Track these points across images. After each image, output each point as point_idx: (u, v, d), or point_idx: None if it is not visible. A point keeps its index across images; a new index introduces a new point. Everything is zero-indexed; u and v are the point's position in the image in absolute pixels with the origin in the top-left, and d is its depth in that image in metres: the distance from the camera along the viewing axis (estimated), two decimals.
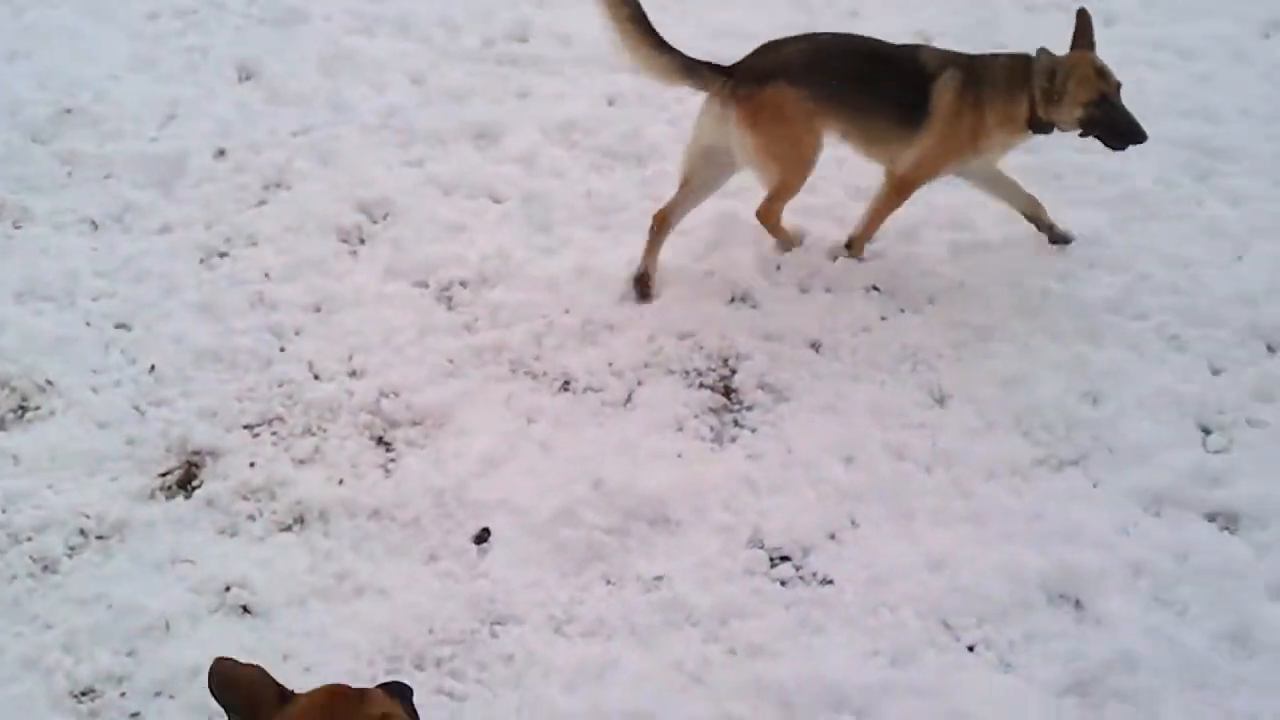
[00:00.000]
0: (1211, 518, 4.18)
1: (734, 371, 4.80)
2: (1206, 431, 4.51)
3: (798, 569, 4.01)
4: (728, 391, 4.74)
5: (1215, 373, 4.74)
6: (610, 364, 4.80)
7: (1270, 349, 4.85)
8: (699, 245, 5.36)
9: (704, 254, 5.34)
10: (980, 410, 4.59)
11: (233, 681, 2.36)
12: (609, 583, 3.96)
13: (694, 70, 4.98)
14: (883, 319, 5.04)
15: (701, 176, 5.17)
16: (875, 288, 5.17)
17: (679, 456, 4.40)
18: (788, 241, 5.36)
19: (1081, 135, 5.01)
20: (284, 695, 2.40)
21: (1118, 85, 4.89)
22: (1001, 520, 4.15)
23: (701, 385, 4.75)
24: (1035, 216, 5.35)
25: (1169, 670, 3.63)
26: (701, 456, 4.42)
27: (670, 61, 4.93)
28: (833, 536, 4.12)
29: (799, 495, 4.24)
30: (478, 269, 5.27)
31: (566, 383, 4.74)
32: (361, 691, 2.46)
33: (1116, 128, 4.88)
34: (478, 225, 5.56)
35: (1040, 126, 4.96)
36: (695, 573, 3.95)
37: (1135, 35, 7.03)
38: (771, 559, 4.04)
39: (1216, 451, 4.42)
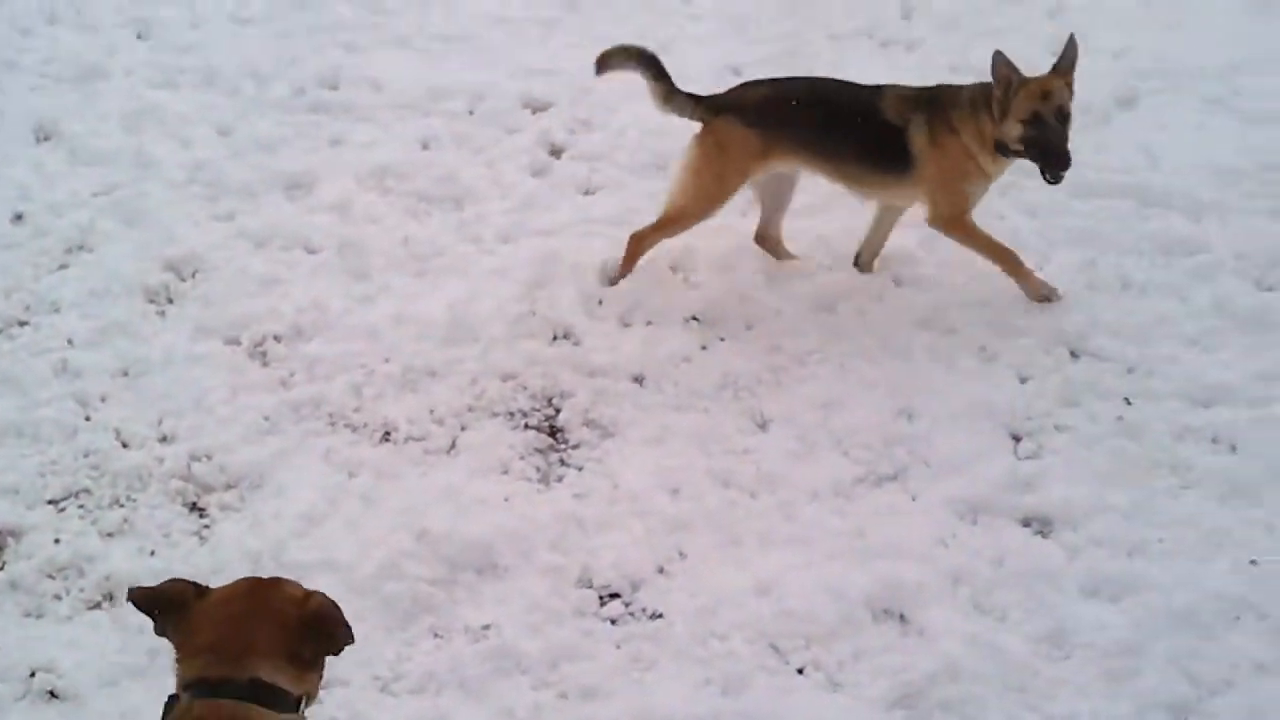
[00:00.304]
0: (1025, 522, 4.30)
1: (558, 410, 4.79)
2: (1017, 439, 4.65)
3: (627, 605, 4.00)
4: (553, 431, 4.73)
5: (1023, 381, 4.90)
6: (432, 411, 4.74)
7: (1074, 355, 5.03)
8: (518, 286, 5.34)
9: (524, 294, 5.32)
10: (801, 433, 4.66)
11: (151, 592, 2.53)
12: (436, 635, 3.89)
13: (671, 97, 5.31)
14: (703, 348, 5.09)
15: (767, 193, 5.50)
16: (695, 318, 5.23)
17: (505, 500, 4.37)
18: (623, 274, 5.42)
19: (1029, 158, 5.04)
20: (201, 590, 2.54)
21: (1058, 109, 4.93)
22: (826, 540, 4.21)
23: (527, 426, 4.73)
24: (873, 250, 5.50)
25: (990, 676, 3.71)
26: (528, 498, 4.39)
27: (660, 88, 5.30)
28: (661, 569, 4.13)
29: (627, 530, 4.24)
30: (293, 322, 5.15)
31: (388, 433, 4.66)
32: (279, 578, 2.65)
33: (1046, 149, 4.93)
34: (292, 277, 5.45)
35: (1000, 148, 5.03)
36: (524, 618, 3.91)
37: (935, 59, 7.26)
38: (601, 597, 4.02)
39: (1027, 458, 4.56)
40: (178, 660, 2.48)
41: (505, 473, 4.49)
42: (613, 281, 5.40)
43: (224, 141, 6.44)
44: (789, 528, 4.25)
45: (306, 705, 2.53)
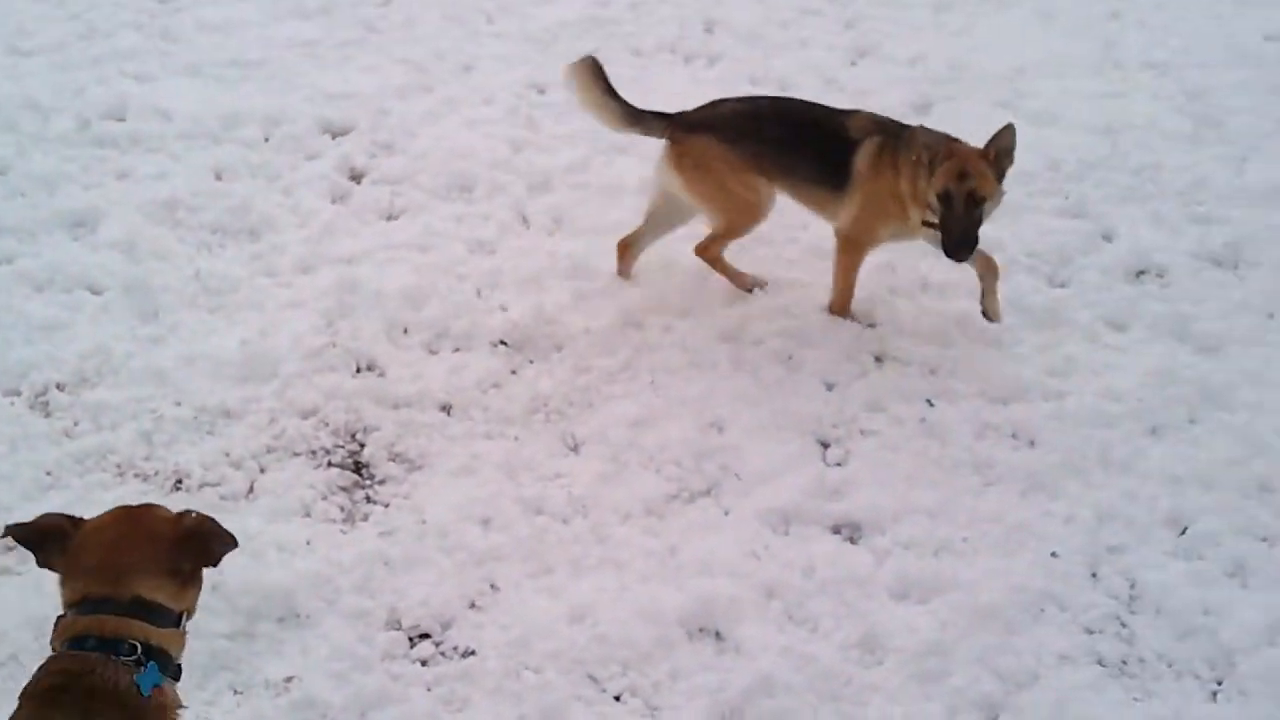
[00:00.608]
0: (836, 529, 4.33)
1: (363, 445, 4.64)
2: (825, 446, 4.69)
3: (438, 645, 3.88)
4: (358, 467, 4.57)
5: (829, 388, 4.94)
6: (228, 454, 4.53)
7: (878, 359, 5.10)
8: (317, 317, 5.17)
9: (324, 326, 5.14)
10: (613, 453, 4.61)
11: (28, 527, 2.72)
12: (236, 692, 3.70)
13: (639, 118, 5.34)
14: (512, 373, 5.00)
15: (661, 212, 5.44)
16: (503, 342, 5.13)
17: (307, 544, 4.19)
18: (740, 282, 5.44)
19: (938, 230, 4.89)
20: (76, 521, 2.73)
21: (969, 194, 4.75)
22: (639, 561, 4.15)
23: (329, 464, 4.56)
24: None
25: (805, 688, 3.70)
26: (331, 540, 4.22)
27: (619, 109, 5.31)
28: (473, 604, 4.01)
29: (435, 566, 4.11)
30: (76, 369, 4.87)
31: (180, 480, 4.44)
32: (150, 504, 2.86)
33: (946, 229, 4.81)
34: (75, 321, 5.15)
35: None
36: (329, 666, 3.74)
37: (737, 71, 7.34)
38: (410, 639, 3.89)
39: (835, 464, 4.60)
40: (62, 586, 2.66)
41: (307, 515, 4.31)
42: (746, 288, 5.45)
43: (0, 180, 6.09)
44: (601, 551, 4.19)
45: (187, 620, 2.77)
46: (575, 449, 4.65)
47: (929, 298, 5.45)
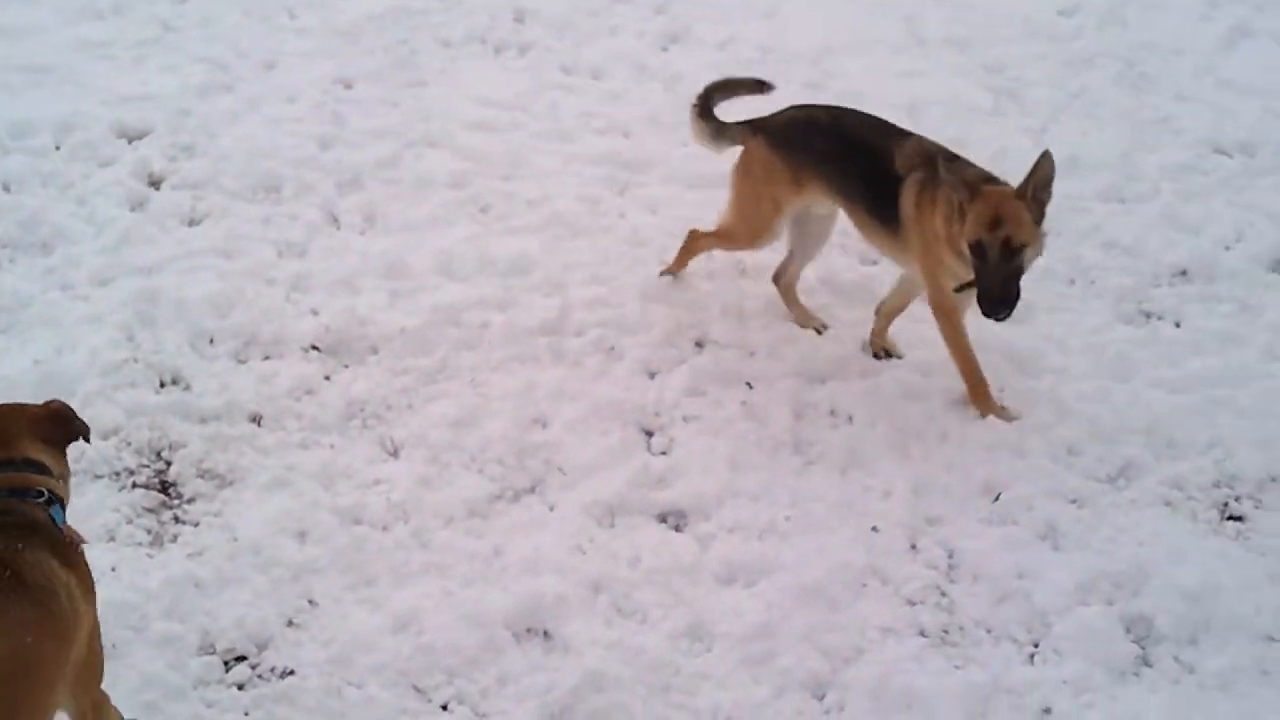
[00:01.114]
0: (661, 518, 4.32)
1: (169, 464, 4.44)
2: (649, 434, 4.68)
3: (254, 667, 3.73)
4: (164, 487, 4.37)
5: (651, 376, 4.93)
6: None
7: (699, 345, 5.11)
8: (116, 331, 4.92)
9: (123, 340, 4.89)
10: (434, 455, 4.51)
11: None
12: None
13: (722, 132, 5.19)
14: (326, 378, 4.85)
15: (793, 233, 5.20)
16: (315, 346, 4.97)
17: (112, 570, 3.97)
18: (674, 269, 5.37)
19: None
20: None
21: (1005, 242, 4.23)
22: (463, 565, 4.07)
23: (134, 485, 4.35)
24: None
25: (634, 681, 3.69)
26: (138, 565, 4.01)
27: (705, 128, 5.19)
28: (290, 622, 3.87)
29: (249, 585, 3.95)
30: None
31: None
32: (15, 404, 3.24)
33: (981, 283, 4.34)
34: None
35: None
36: (138, 698, 3.55)
37: (548, 60, 7.27)
38: (225, 663, 3.73)
39: (660, 453, 4.59)
40: None
41: (111, 540, 4.10)
42: (662, 272, 5.35)
43: None
44: (424, 557, 4.09)
45: (64, 484, 3.20)
46: (394, 453, 4.54)
47: (746, 281, 5.47)
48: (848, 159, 4.82)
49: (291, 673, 3.71)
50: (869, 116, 4.99)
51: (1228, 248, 5.77)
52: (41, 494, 3.05)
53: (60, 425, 3.23)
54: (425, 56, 7.26)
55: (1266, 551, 4.22)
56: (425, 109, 6.68)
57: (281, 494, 4.31)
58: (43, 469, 3.10)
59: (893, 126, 4.91)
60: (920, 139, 4.78)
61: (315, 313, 5.15)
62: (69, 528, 3.19)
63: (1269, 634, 3.92)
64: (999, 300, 4.31)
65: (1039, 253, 4.43)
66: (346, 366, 4.91)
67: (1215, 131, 6.72)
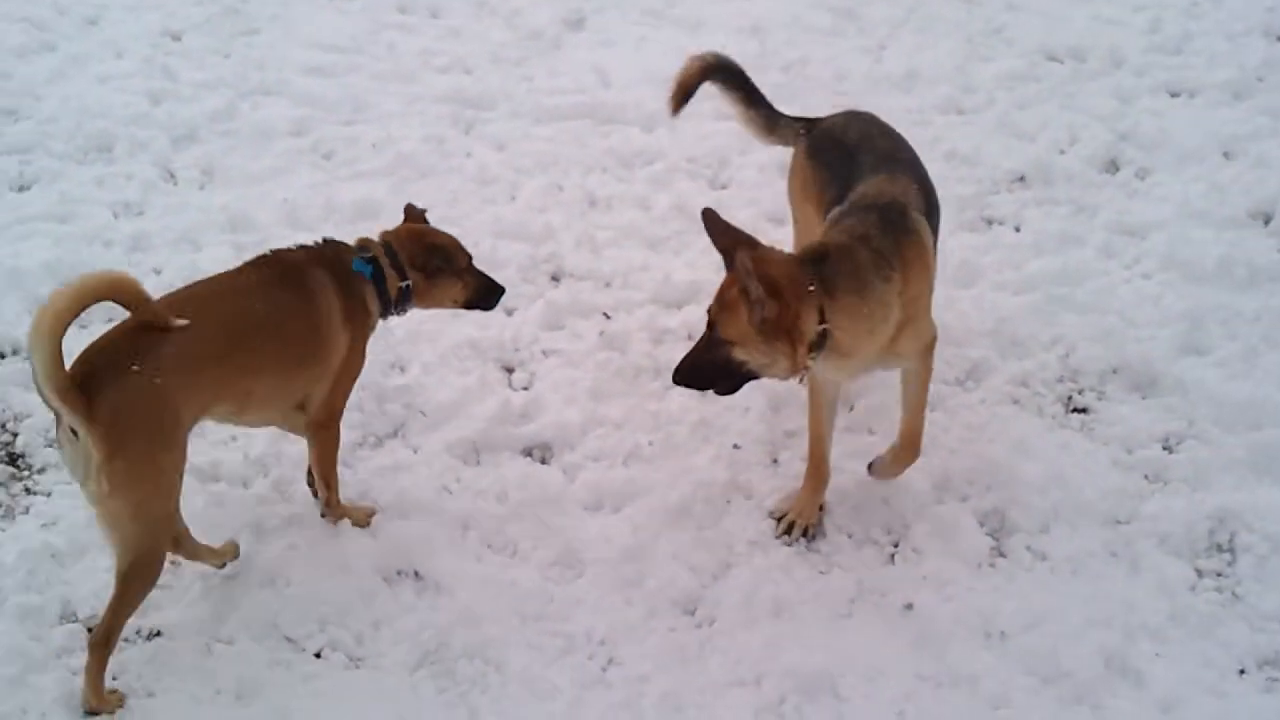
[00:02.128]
0: (526, 452, 4.33)
1: (15, 435, 4.29)
2: (509, 370, 4.67)
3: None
4: (12, 458, 4.23)
5: (509, 313, 4.90)
6: None
7: (554, 279, 5.11)
8: None
9: None
10: None
11: None
12: None
13: (775, 124, 4.58)
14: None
15: None
16: None
17: None
18: None
19: None
20: None
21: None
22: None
23: None
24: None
25: (507, 613, 3.71)
26: None
27: (758, 118, 4.56)
28: (159, 586, 3.79)
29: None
30: None
31: None
32: None
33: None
34: None
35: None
36: (2, 672, 3.46)
37: (381, 1, 7.12)
38: (89, 629, 3.62)
39: (521, 388, 4.58)
40: None
41: None
42: None
43: None
44: (287, 510, 4.03)
45: None
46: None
47: (597, 212, 5.47)
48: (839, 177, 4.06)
49: (159, 634, 3.64)
50: (880, 137, 4.22)
51: (1062, 151, 5.95)
52: None
53: None
54: (256, 4, 7.05)
55: (1109, 440, 4.40)
56: (259, 57, 6.50)
57: None
58: None
59: (882, 148, 4.13)
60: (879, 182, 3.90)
61: (158, 272, 4.99)
62: None
63: (1115, 518, 4.10)
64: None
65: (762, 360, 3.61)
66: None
67: (1046, 39, 6.89)
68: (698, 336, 4.74)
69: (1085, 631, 3.67)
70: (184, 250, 5.10)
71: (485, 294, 4.06)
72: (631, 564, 3.87)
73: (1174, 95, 6.40)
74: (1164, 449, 4.35)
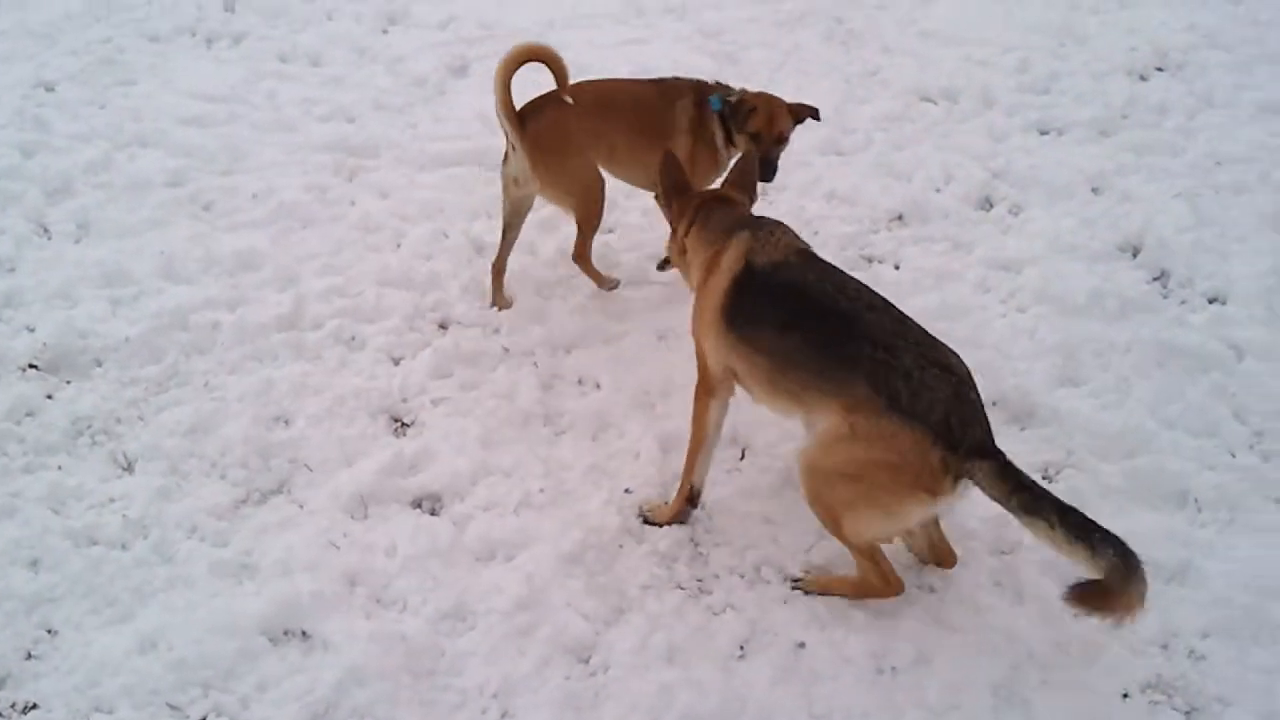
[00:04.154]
0: (416, 504, 4.28)
1: None
2: (397, 421, 4.62)
3: None
4: None
5: (395, 362, 4.87)
6: None
7: (442, 327, 5.07)
8: None
9: None
10: (171, 465, 4.34)
11: None
12: None
13: None
14: (48, 397, 4.61)
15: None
16: (33, 365, 4.71)
17: None
18: None
19: None
20: None
21: None
22: (211, 575, 3.93)
23: None
24: None
25: (397, 670, 3.63)
26: None
27: None
28: (29, 655, 3.67)
29: None
30: None
31: None
32: None
33: None
34: None
35: None
36: None
37: (263, 49, 7.07)
38: None
39: (409, 439, 4.53)
40: None
41: None
42: None
43: None
44: (168, 571, 3.93)
45: None
46: (129, 468, 4.34)
47: (484, 259, 5.45)
48: None
49: (34, 706, 3.52)
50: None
51: (938, 190, 6.10)
52: None
53: None
54: (132, 54, 6.95)
55: None
56: (135, 108, 6.40)
57: (7, 523, 4.08)
58: None
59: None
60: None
61: (31, 329, 4.88)
62: None
63: (999, 548, 4.17)
64: None
65: None
66: (69, 382, 4.67)
67: (920, 81, 7.08)
68: (588, 381, 4.81)
69: (973, 663, 3.72)
70: (58, 306, 4.99)
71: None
72: (524, 613, 3.84)
73: (1043, 133, 6.60)
74: (1044, 478, 4.44)
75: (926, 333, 3.68)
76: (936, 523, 3.95)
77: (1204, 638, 3.83)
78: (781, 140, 5.01)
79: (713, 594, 3.98)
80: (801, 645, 3.80)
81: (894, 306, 3.72)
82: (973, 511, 4.26)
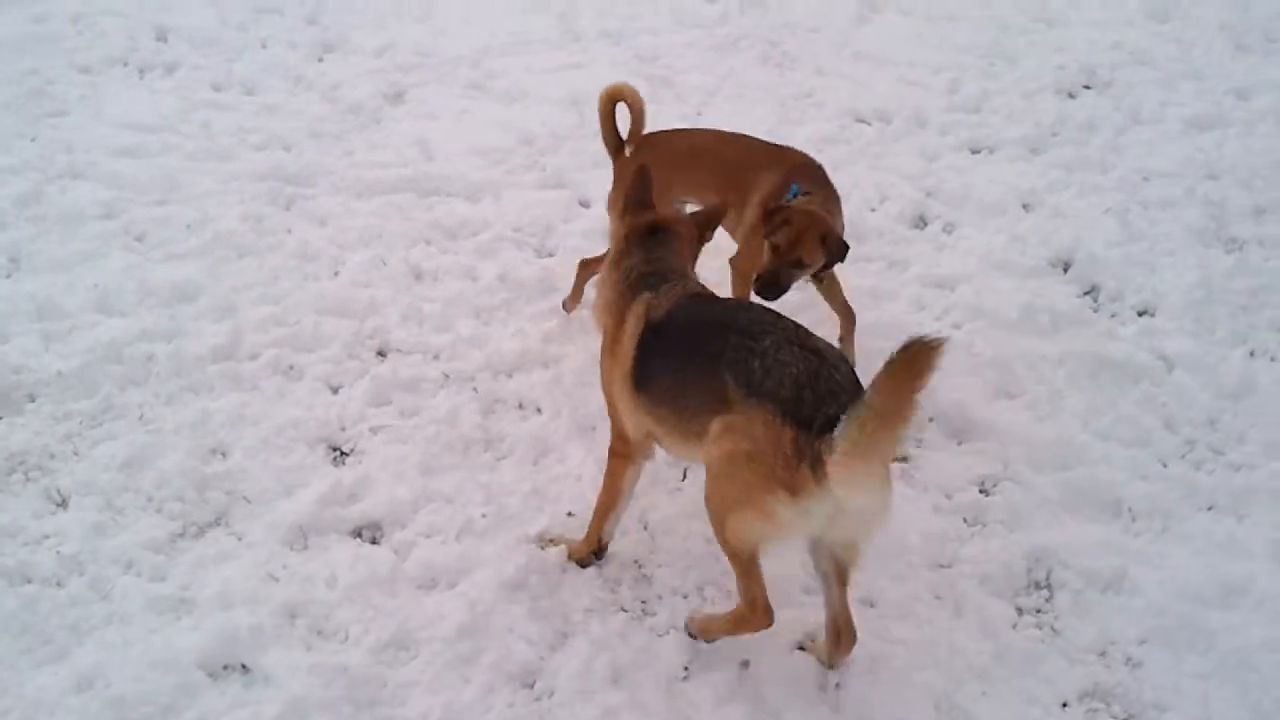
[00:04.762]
0: (356, 533, 4.24)
1: None
2: (336, 450, 4.58)
3: None
4: None
5: (334, 391, 4.84)
6: None
7: (380, 354, 5.05)
8: None
9: None
10: (107, 500, 4.27)
11: None
12: None
13: None
14: None
15: None
16: None
17: None
18: None
19: None
20: None
21: None
22: (148, 611, 3.87)
23: None
24: None
25: (339, 702, 3.59)
26: None
27: None
28: None
29: None
30: None
31: None
32: None
33: None
34: None
35: None
36: None
37: (197, 78, 7.02)
38: None
39: (349, 467, 4.50)
40: None
41: None
42: None
43: None
44: (105, 608, 3.87)
45: None
46: (63, 504, 4.27)
47: (423, 286, 5.45)
48: None
49: None
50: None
51: (873, 209, 6.17)
52: None
53: None
54: (62, 85, 6.87)
55: (929, 486, 4.53)
56: (66, 139, 6.33)
57: None
58: None
59: None
60: None
61: None
62: None
63: (938, 561, 4.22)
64: None
65: None
66: (1, 419, 4.58)
67: (854, 102, 7.17)
68: (529, 406, 4.81)
69: (914, 675, 3.75)
70: None
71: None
72: (467, 640, 3.81)
73: (975, 152, 6.71)
74: (981, 492, 4.50)
75: (806, 330, 3.50)
76: (842, 594, 3.68)
77: (1140, 645, 3.89)
78: (799, 265, 4.61)
79: (657, 615, 3.99)
80: (746, 664, 3.81)
81: (784, 316, 3.57)
82: (912, 525, 4.31)
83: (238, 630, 3.80)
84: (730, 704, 3.68)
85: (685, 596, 4.06)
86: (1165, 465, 4.60)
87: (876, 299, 5.44)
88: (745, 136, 5.16)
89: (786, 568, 4.06)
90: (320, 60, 7.41)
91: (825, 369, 3.31)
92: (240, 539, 4.19)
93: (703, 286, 3.90)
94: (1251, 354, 5.16)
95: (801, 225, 4.54)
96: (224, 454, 4.51)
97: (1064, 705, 3.73)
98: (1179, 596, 4.03)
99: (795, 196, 4.73)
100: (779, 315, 3.56)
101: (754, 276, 4.70)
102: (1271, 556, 4.21)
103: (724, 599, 4.02)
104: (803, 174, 4.88)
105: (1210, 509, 4.42)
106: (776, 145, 5.11)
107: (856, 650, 3.79)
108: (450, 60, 7.44)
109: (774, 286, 4.63)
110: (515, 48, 7.60)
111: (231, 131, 6.49)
